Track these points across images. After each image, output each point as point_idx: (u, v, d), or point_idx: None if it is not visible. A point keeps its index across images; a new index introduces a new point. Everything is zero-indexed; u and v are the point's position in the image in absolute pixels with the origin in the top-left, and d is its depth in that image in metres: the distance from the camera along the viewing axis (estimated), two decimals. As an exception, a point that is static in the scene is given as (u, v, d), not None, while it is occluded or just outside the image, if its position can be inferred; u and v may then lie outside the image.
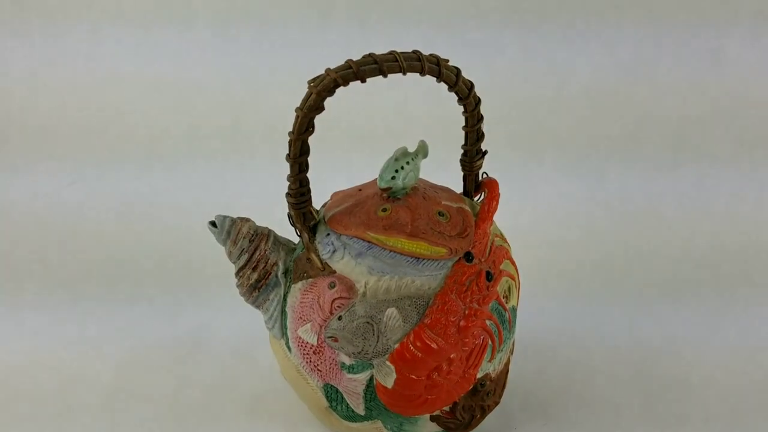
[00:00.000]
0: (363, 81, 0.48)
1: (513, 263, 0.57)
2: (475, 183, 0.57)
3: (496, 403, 0.56)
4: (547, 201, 0.92)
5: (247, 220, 0.54)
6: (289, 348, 0.53)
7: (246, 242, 0.54)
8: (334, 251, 0.51)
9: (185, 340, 0.70)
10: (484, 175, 0.57)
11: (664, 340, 0.70)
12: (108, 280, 0.80)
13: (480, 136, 0.55)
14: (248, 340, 0.68)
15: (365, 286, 0.49)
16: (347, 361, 0.51)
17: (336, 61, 0.49)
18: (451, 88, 0.51)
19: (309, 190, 0.52)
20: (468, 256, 0.51)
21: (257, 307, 0.55)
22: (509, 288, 0.55)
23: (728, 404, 0.62)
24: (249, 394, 0.63)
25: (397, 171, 0.52)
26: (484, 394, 0.54)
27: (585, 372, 0.66)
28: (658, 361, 0.67)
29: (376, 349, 0.50)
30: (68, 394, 0.64)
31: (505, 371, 0.56)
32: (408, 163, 0.53)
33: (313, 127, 0.49)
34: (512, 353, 0.58)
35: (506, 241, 0.57)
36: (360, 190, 0.56)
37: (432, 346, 0.49)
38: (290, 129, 0.49)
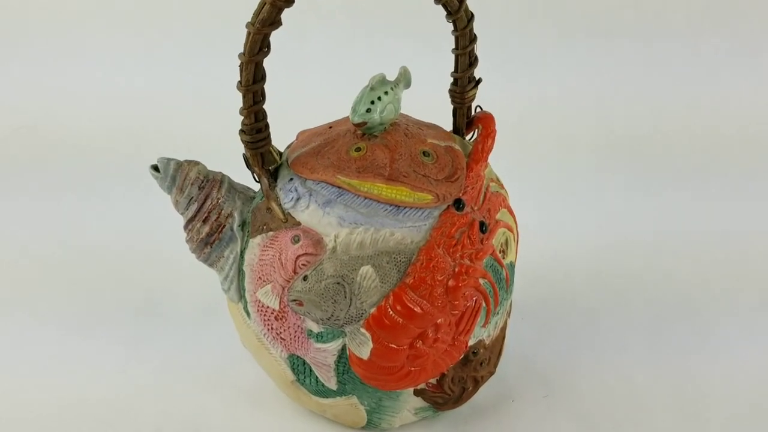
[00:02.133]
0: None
1: (511, 213, 0.48)
2: (467, 118, 0.48)
3: (491, 374, 0.49)
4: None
5: (196, 163, 0.46)
6: (247, 313, 0.46)
7: (195, 189, 0.45)
8: (297, 199, 0.43)
9: (139, 307, 0.62)
10: (478, 109, 0.49)
11: (678, 300, 0.63)
12: (56, 250, 0.72)
13: (473, 61, 0.46)
14: (208, 304, 0.60)
15: (335, 240, 0.41)
16: (315, 328, 0.43)
17: None
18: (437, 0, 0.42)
19: (267, 126, 0.43)
20: (458, 204, 0.43)
21: (210, 265, 0.47)
22: (507, 241, 0.47)
23: (739, 360, 0.56)
24: (209, 365, 0.56)
25: (373, 102, 0.44)
26: (477, 364, 0.46)
27: (591, 337, 0.58)
28: (671, 323, 0.60)
29: (349, 314, 0.42)
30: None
31: (501, 337, 0.49)
32: (386, 93, 0.44)
33: (268, 46, 0.40)
34: (509, 316, 0.50)
35: (503, 188, 0.49)
36: (330, 127, 0.48)
37: (415, 310, 0.41)
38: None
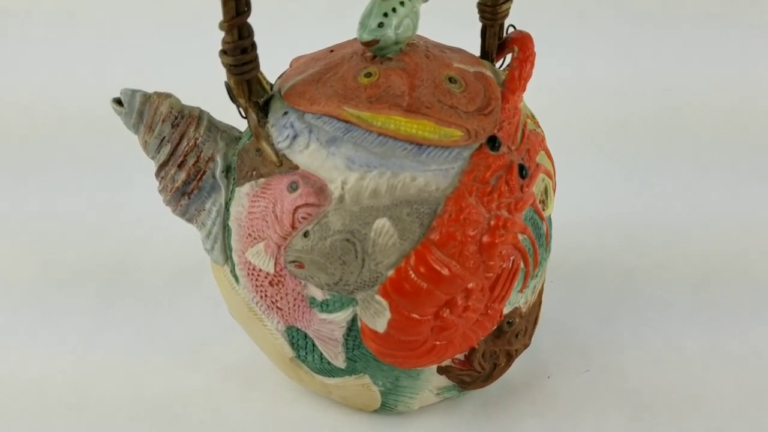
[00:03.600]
0: None
1: (549, 156, 0.41)
2: (498, 37, 0.39)
3: (526, 346, 0.41)
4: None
5: (168, 95, 0.38)
6: (236, 277, 0.38)
7: (167, 127, 0.37)
8: (294, 137, 0.35)
9: (107, 271, 0.54)
10: (511, 30, 0.40)
11: (726, 257, 0.55)
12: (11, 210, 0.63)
13: (507, -34, 0.37)
14: (188, 267, 0.52)
15: (342, 188, 0.33)
16: (319, 295, 0.35)
17: None
18: None
19: (254, 45, 0.35)
20: (493, 142, 0.35)
21: (189, 220, 0.39)
22: (546, 190, 0.39)
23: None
24: (191, 339, 0.48)
25: (386, 15, 0.35)
26: (512, 336, 0.39)
27: (631, 302, 0.51)
28: (721, 284, 0.52)
29: (361, 278, 0.34)
30: None
31: (537, 303, 0.41)
32: (402, 3, 0.35)
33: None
34: (544, 282, 0.43)
35: (539, 126, 0.41)
36: (331, 51, 0.39)
37: (442, 272, 0.33)
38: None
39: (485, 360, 0.39)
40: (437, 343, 0.36)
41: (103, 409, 0.43)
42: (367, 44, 0.35)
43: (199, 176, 0.37)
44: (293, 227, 0.34)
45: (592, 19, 0.81)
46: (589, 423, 0.41)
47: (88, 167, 0.66)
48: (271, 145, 0.35)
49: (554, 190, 0.41)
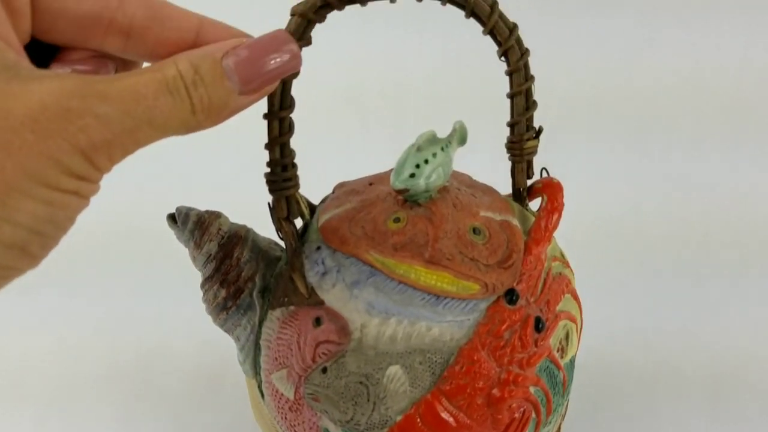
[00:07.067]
0: (363, 3, 0.33)
1: (575, 298, 0.41)
2: (528, 174, 0.40)
3: (539, 486, 0.42)
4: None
5: (218, 215, 0.41)
6: (261, 394, 0.40)
7: (214, 247, 0.40)
8: (324, 274, 0.37)
9: (129, 373, 0.55)
10: (544, 173, 0.41)
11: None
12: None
13: (530, 104, 0.38)
14: (211, 374, 0.54)
15: (361, 331, 0.35)
16: (332, 429, 0.37)
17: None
18: (484, 26, 0.35)
19: (294, 165, 0.36)
20: (511, 296, 0.36)
21: (226, 331, 0.42)
22: (567, 335, 0.39)
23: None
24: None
25: (418, 166, 0.37)
26: (522, 479, 0.39)
27: (653, 412, 0.50)
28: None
29: (371, 420, 0.36)
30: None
31: (552, 444, 0.42)
32: (435, 155, 0.37)
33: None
34: (563, 419, 0.43)
35: (568, 265, 0.41)
36: (371, 183, 0.41)
37: (449, 422, 0.35)
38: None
39: (492, 501, 0.39)
40: (443, 486, 0.37)
41: None
42: (398, 192, 0.37)
43: (237, 294, 0.40)
44: (314, 361, 0.36)
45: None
46: None
47: (110, 273, 0.66)
48: (302, 277, 0.38)
49: (580, 330, 0.42)
